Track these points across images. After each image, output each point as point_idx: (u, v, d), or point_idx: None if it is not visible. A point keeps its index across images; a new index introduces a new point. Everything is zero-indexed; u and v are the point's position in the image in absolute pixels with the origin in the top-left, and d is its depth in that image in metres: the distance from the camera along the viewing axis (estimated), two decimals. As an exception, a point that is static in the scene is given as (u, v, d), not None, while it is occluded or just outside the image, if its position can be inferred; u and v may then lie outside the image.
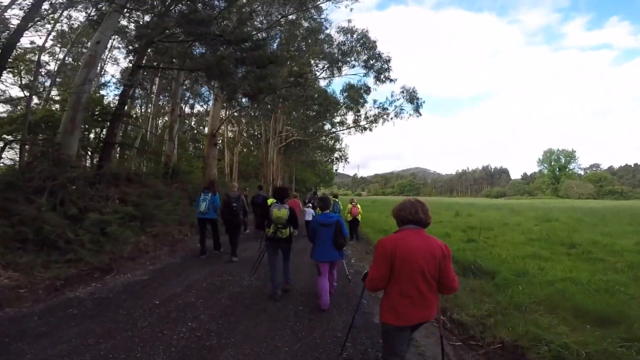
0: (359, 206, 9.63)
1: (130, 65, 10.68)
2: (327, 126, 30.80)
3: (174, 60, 10.27)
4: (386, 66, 19.41)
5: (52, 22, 12.27)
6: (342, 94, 24.65)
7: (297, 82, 12.64)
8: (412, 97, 23.54)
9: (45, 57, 13.69)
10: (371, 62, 19.38)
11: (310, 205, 9.98)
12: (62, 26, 14.15)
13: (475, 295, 4.42)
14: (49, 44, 13.89)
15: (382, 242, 1.96)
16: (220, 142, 20.92)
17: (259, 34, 11.36)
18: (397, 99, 24.14)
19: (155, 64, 11.47)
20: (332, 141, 36.87)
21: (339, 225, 3.84)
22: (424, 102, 23.70)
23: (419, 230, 1.94)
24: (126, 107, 11.29)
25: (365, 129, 23.06)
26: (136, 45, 9.54)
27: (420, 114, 23.43)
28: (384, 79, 20.08)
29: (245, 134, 25.84)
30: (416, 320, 1.95)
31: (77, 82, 9.12)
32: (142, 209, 7.86)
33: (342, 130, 26.11)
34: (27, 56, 11.47)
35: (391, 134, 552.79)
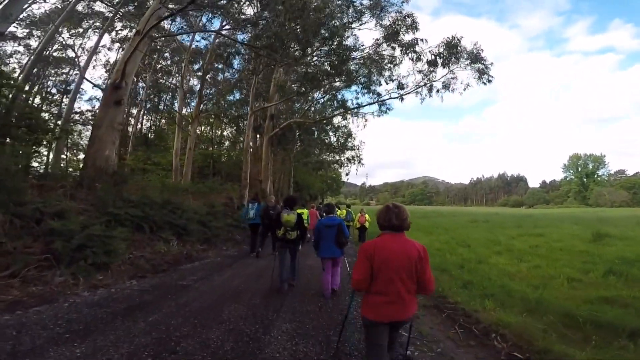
0: (367, 215, 10.57)
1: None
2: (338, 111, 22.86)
3: None
4: None
5: None
6: (359, 65, 16.72)
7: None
8: (475, 57, 15.35)
9: None
10: None
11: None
12: None
13: None
14: None
15: (363, 246, 2.11)
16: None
17: None
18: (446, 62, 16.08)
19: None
20: (343, 138, 28.88)
21: (341, 227, 4.42)
22: (492, 64, 15.52)
23: (396, 234, 2.07)
24: None
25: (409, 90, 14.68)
26: None
27: (490, 80, 15.23)
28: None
29: (210, 110, 17.67)
30: (393, 318, 2.02)
31: None
32: None
33: (363, 107, 17.94)
34: None
35: (400, 139, 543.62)
